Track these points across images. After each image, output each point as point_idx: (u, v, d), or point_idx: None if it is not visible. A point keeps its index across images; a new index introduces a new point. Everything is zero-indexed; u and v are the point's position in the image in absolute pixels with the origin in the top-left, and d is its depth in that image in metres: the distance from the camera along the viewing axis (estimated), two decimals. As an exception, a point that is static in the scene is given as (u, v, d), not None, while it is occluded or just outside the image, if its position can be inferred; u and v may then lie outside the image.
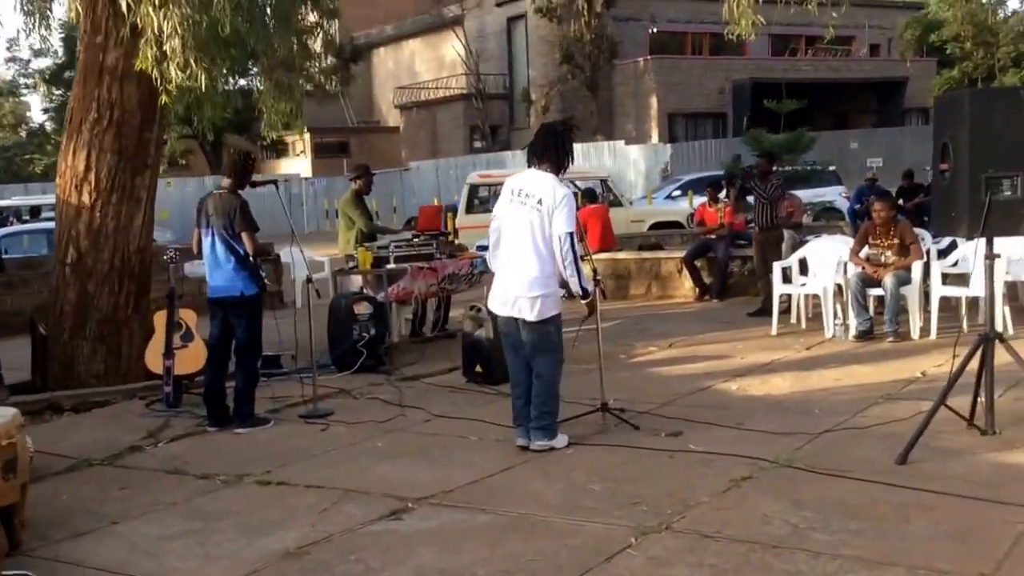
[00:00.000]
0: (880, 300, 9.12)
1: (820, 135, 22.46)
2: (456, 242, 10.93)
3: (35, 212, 21.74)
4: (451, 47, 40.77)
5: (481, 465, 5.70)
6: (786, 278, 9.92)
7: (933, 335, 8.78)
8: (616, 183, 21.10)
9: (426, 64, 44.42)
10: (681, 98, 35.68)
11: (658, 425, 6.31)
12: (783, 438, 5.87)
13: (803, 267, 10.09)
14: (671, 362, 8.57)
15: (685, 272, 12.35)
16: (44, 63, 47.65)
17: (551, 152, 5.98)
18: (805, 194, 15.04)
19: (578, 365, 7.36)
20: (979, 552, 4.08)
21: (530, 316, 5.85)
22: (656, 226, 18.33)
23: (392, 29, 45.84)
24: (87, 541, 4.82)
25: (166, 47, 6.87)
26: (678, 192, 22.02)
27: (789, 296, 10.05)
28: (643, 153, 30.66)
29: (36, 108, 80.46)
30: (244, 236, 6.73)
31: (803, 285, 9.91)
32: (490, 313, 6.42)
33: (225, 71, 8.44)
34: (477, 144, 39.41)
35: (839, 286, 9.45)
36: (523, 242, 5.85)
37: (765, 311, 10.12)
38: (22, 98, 55.43)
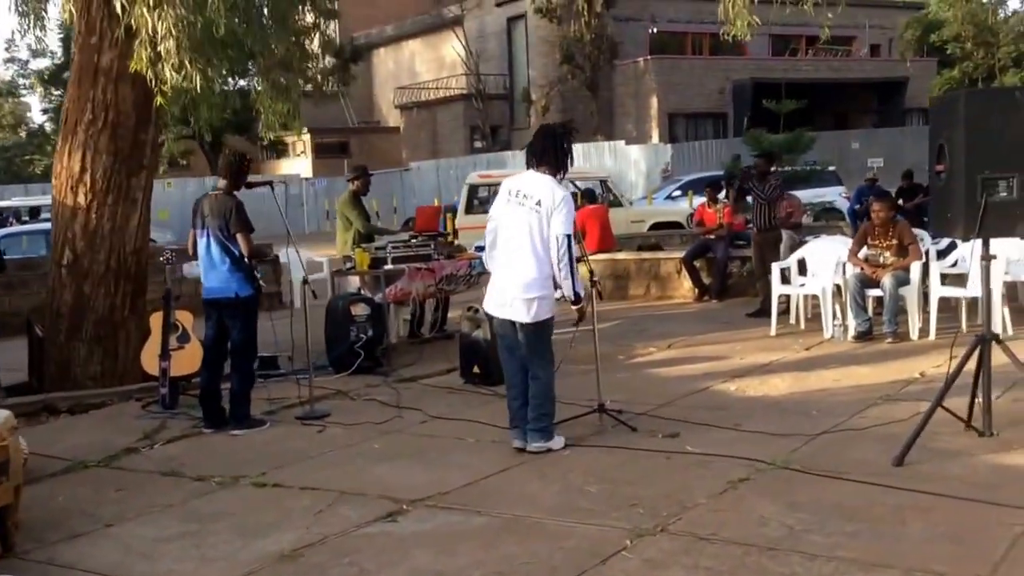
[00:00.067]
0: (879, 301, 9.10)
1: (821, 135, 22.46)
2: (455, 243, 10.92)
3: (34, 213, 21.72)
4: (451, 47, 40.78)
5: (477, 467, 5.68)
6: (785, 279, 9.91)
7: (932, 336, 8.76)
8: (617, 183, 21.09)
9: (426, 64, 44.44)
10: (681, 98, 35.69)
11: (656, 426, 6.29)
12: (781, 439, 5.85)
13: (802, 268, 10.08)
14: (670, 363, 8.56)
15: (684, 273, 12.34)
16: (43, 63, 47.75)
17: (550, 154, 5.96)
18: (805, 194, 15.03)
19: (576, 366, 7.35)
20: (976, 554, 4.06)
21: (526, 318, 5.83)
22: (656, 226, 18.33)
23: (392, 29, 45.85)
24: (82, 543, 4.81)
25: (160, 48, 6.85)
26: (678, 192, 22.01)
27: (788, 297, 10.04)
28: (644, 153, 30.65)
29: (36, 109, 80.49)
30: (239, 237, 6.72)
31: (802, 286, 9.89)
32: (487, 314, 6.41)
33: (223, 72, 8.42)
34: (477, 144, 39.41)
35: (838, 287, 9.44)
36: (521, 243, 5.84)
37: (764, 312, 10.10)
38: (22, 99, 55.53)
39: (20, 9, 8.24)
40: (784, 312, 10.01)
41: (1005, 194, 5.29)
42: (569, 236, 5.77)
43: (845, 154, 28.89)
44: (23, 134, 54.06)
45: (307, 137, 42.85)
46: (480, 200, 17.52)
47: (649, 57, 36.18)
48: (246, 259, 6.78)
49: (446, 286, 9.72)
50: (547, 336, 5.96)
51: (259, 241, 7.37)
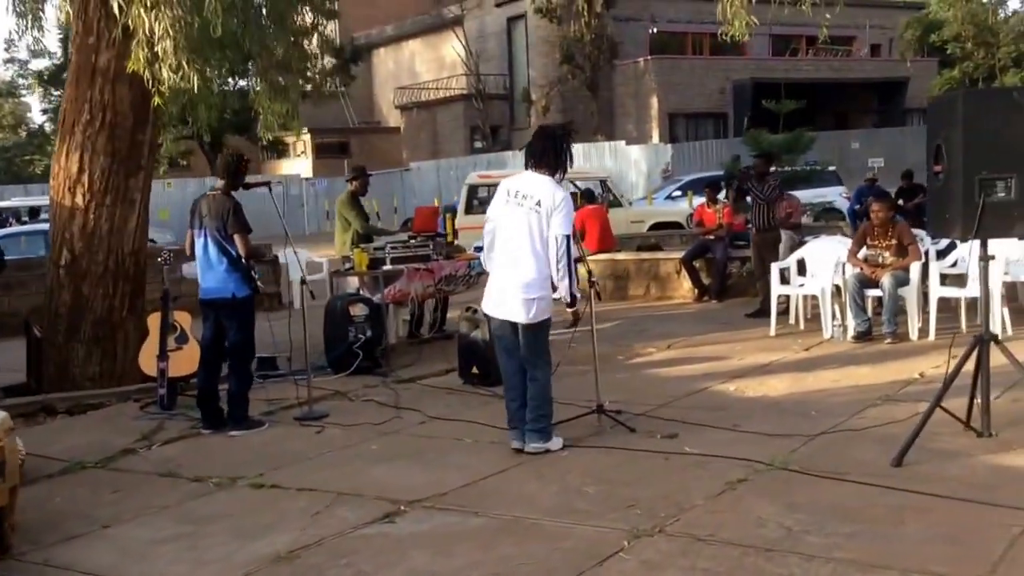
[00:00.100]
0: (878, 301, 9.09)
1: (821, 135, 22.44)
2: (455, 243, 10.90)
3: (34, 213, 21.71)
4: (451, 47, 40.76)
5: (475, 467, 5.67)
6: (784, 279, 9.89)
7: (932, 336, 8.75)
8: (617, 184, 21.07)
9: (426, 64, 44.42)
10: (682, 98, 35.67)
11: (654, 427, 6.28)
12: (779, 440, 5.84)
13: (801, 268, 10.06)
14: (669, 363, 8.54)
15: (684, 273, 12.33)
16: (42, 64, 47.71)
17: (549, 155, 5.95)
18: (805, 194, 15.03)
19: (575, 366, 7.35)
20: (974, 555, 4.05)
21: (525, 318, 5.83)
22: (656, 227, 18.33)
23: (392, 29, 45.83)
24: (78, 545, 4.80)
25: (158, 48, 6.85)
26: (678, 192, 22.00)
27: (787, 297, 10.03)
28: (644, 153, 30.63)
29: (36, 109, 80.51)
30: (237, 238, 6.71)
31: (801, 286, 9.88)
32: (485, 314, 6.40)
33: (222, 72, 8.42)
34: (478, 144, 39.40)
35: (837, 287, 9.42)
36: (520, 243, 5.83)
37: (763, 312, 10.09)
38: (22, 99, 55.52)
39: (18, 9, 8.23)
40: (783, 312, 10.00)
41: (1003, 194, 5.27)
42: (568, 237, 5.77)
43: (845, 154, 28.89)
44: (23, 134, 54.05)
45: (307, 137, 42.80)
46: (480, 200, 17.51)
47: (649, 57, 36.16)
48: (243, 260, 6.77)
49: (445, 286, 9.71)
50: (546, 337, 5.96)
51: (258, 242, 7.37)
